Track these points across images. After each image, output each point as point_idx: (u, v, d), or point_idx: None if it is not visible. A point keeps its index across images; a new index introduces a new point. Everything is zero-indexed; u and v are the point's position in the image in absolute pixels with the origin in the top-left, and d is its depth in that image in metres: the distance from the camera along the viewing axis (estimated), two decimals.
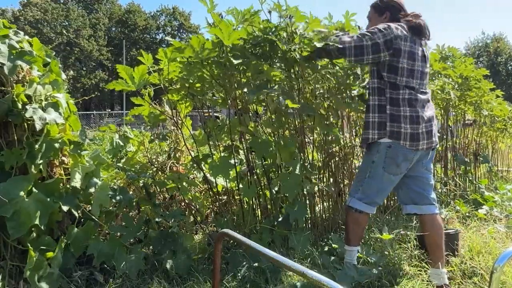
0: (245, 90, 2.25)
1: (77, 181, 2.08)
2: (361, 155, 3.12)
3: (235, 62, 2.11)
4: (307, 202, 2.61)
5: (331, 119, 2.68)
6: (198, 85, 2.42)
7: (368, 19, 2.38)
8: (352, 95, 2.68)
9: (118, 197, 2.28)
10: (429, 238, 2.22)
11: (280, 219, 2.46)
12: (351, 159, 3.01)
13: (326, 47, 2.16)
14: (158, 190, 2.69)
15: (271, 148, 2.38)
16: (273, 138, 2.53)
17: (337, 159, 2.86)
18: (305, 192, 2.57)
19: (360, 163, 2.37)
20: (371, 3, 2.35)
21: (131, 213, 2.57)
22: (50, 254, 1.91)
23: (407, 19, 2.19)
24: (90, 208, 2.19)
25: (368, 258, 2.30)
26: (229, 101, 2.48)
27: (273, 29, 2.26)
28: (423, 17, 2.21)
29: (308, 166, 2.57)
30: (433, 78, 3.51)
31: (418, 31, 2.17)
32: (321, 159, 2.85)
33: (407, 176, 2.22)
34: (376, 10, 2.32)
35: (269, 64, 2.31)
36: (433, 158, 2.31)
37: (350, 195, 2.27)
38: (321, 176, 2.84)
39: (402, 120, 2.08)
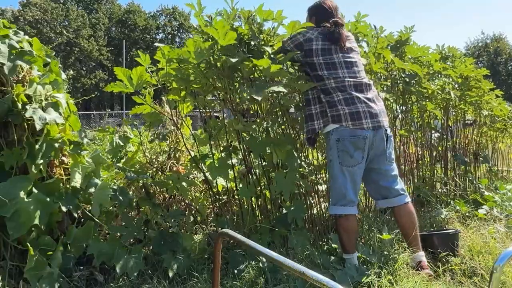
0: (248, 90, 2.22)
1: (77, 181, 2.08)
2: None
3: (233, 60, 2.09)
4: (306, 201, 2.61)
5: None
6: (197, 85, 2.42)
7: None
8: None
9: (118, 197, 2.28)
10: (404, 228, 2.34)
11: (278, 220, 2.46)
12: None
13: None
14: (158, 190, 2.69)
15: (268, 148, 2.37)
16: (268, 136, 2.52)
17: None
18: (302, 191, 2.57)
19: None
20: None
21: (131, 213, 2.57)
22: (50, 254, 1.91)
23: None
24: (90, 208, 2.19)
25: (368, 258, 2.30)
26: (222, 101, 2.49)
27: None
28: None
29: (306, 165, 2.57)
30: (433, 78, 3.51)
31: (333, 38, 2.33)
32: (321, 158, 2.86)
33: (372, 171, 2.30)
34: (308, 14, 2.52)
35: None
36: (392, 146, 2.37)
37: (330, 204, 2.32)
38: (321, 175, 2.84)
39: (337, 103, 2.21)
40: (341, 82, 2.25)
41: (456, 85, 3.76)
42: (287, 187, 2.33)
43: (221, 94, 2.49)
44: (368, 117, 2.19)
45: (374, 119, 2.21)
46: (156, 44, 2.26)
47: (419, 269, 2.23)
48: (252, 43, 2.28)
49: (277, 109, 2.54)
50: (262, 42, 2.30)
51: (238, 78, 2.39)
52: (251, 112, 2.60)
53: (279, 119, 2.57)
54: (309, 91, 2.33)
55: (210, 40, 2.18)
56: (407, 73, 3.13)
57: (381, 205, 2.40)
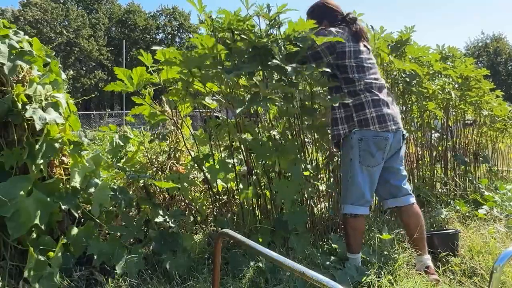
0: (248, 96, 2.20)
1: (77, 181, 2.08)
2: None
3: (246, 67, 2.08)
4: (307, 203, 2.61)
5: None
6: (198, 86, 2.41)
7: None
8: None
9: (118, 197, 2.28)
10: (410, 228, 2.30)
11: (279, 223, 2.44)
12: None
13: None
14: (158, 190, 2.69)
15: (270, 151, 2.36)
16: (272, 142, 2.49)
17: (337, 158, 2.86)
18: (305, 196, 2.56)
19: (340, 168, 2.43)
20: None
21: (131, 213, 2.57)
22: (50, 254, 1.91)
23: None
24: (90, 208, 2.19)
25: (368, 258, 2.30)
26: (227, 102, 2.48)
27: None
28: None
29: (310, 167, 2.56)
30: (433, 78, 3.51)
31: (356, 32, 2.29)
32: (321, 159, 2.85)
33: (385, 169, 2.29)
34: (314, 20, 2.31)
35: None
36: (404, 148, 2.39)
37: (342, 202, 2.30)
38: (322, 176, 2.84)
39: (365, 105, 2.19)
40: (369, 84, 2.23)
41: (456, 85, 3.76)
42: (290, 195, 2.30)
43: (224, 93, 2.48)
44: (391, 120, 2.21)
45: (395, 121, 2.23)
46: (154, 48, 2.22)
47: (426, 273, 2.20)
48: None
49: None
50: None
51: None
52: (251, 112, 2.60)
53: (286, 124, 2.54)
54: (334, 94, 2.29)
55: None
56: (407, 73, 3.13)
57: (390, 204, 2.36)
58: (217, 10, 2.17)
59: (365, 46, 2.31)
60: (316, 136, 2.74)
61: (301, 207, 2.44)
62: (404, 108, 3.46)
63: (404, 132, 2.34)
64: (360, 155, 2.18)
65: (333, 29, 2.23)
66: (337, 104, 2.23)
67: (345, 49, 2.22)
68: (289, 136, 2.54)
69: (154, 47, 2.26)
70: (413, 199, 2.33)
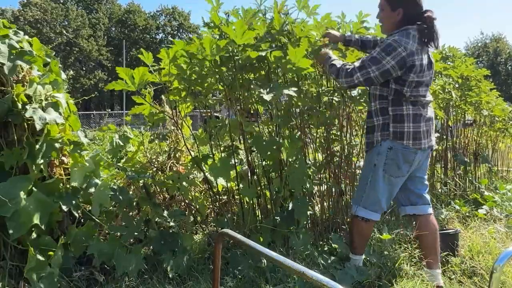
0: (261, 90, 2.21)
1: (77, 181, 2.08)
2: (361, 154, 3.12)
3: (263, 53, 2.08)
4: (308, 199, 2.61)
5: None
6: (199, 85, 2.42)
7: (379, 7, 2.20)
8: (352, 95, 2.68)
9: (118, 197, 2.28)
10: (425, 240, 2.23)
11: (284, 215, 2.45)
12: (353, 158, 3.00)
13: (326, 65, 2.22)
14: (158, 190, 2.69)
15: (274, 147, 2.37)
16: (277, 136, 2.52)
17: (338, 158, 2.86)
18: (304, 190, 2.57)
19: (362, 170, 2.36)
20: None
21: (131, 213, 2.57)
22: (50, 254, 1.91)
23: (419, 23, 2.06)
24: (90, 208, 2.19)
25: (368, 258, 2.30)
26: (229, 101, 2.48)
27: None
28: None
29: (311, 165, 2.57)
30: (434, 78, 3.51)
31: (429, 37, 2.07)
32: (322, 159, 2.85)
33: (409, 178, 2.23)
34: (390, 2, 2.14)
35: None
36: (429, 158, 2.33)
37: (355, 203, 2.25)
38: (322, 175, 2.84)
39: (405, 119, 2.09)
40: (415, 98, 2.11)
41: (457, 85, 3.76)
42: (299, 183, 2.33)
43: (227, 93, 2.48)
44: (426, 137, 2.14)
45: (429, 139, 2.17)
46: (170, 39, 2.26)
47: None
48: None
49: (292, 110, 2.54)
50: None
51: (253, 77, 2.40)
52: (251, 112, 2.61)
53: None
54: (373, 102, 2.20)
55: (225, 38, 2.18)
56: None
57: (408, 211, 2.28)
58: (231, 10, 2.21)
59: (428, 57, 2.14)
60: (317, 135, 2.74)
61: (304, 198, 2.46)
62: None
63: (434, 144, 2.25)
64: (386, 163, 2.12)
65: (402, 41, 2.02)
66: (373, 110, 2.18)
67: (415, 63, 2.03)
68: (287, 132, 2.56)
69: (170, 39, 2.27)
70: (431, 210, 2.29)
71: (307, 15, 2.35)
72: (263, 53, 2.11)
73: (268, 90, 2.08)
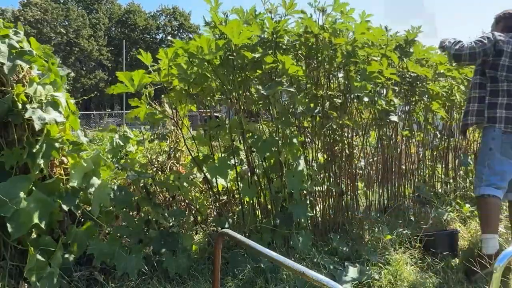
0: (259, 87, 2.23)
1: (76, 181, 2.08)
2: (361, 155, 3.12)
3: (257, 55, 2.13)
4: (308, 201, 2.61)
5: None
6: (198, 89, 2.42)
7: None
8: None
9: (118, 197, 2.28)
10: None
11: (281, 219, 2.45)
12: (354, 159, 3.00)
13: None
14: (158, 190, 2.69)
15: (274, 148, 2.37)
16: (277, 136, 2.52)
17: (339, 159, 2.86)
18: (304, 192, 2.57)
19: (478, 154, 2.66)
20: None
21: (131, 213, 2.57)
22: (50, 254, 1.91)
23: None
24: (90, 208, 2.19)
25: (368, 258, 2.30)
26: (229, 101, 2.48)
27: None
28: None
29: (312, 166, 2.57)
30: (439, 80, 3.50)
31: None
32: (323, 159, 2.85)
33: None
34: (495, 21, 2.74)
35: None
36: None
37: (477, 186, 2.48)
38: (323, 176, 2.83)
39: (498, 107, 2.43)
40: (509, 86, 2.44)
41: (463, 88, 3.75)
42: (297, 185, 2.36)
43: (227, 93, 2.48)
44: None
45: None
46: (169, 38, 2.27)
47: None
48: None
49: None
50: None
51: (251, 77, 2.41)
52: (252, 112, 2.61)
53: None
54: (473, 89, 2.56)
55: (224, 38, 2.19)
56: (412, 74, 3.11)
57: (510, 197, 2.57)
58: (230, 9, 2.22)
59: None
60: (316, 136, 2.74)
61: (304, 199, 2.47)
62: (407, 108, 3.46)
63: None
64: (502, 147, 2.42)
65: (496, 33, 2.49)
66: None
67: (503, 48, 2.43)
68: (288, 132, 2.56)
69: (169, 38, 2.27)
70: None
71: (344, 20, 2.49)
72: (257, 55, 2.13)
73: (266, 87, 2.11)
